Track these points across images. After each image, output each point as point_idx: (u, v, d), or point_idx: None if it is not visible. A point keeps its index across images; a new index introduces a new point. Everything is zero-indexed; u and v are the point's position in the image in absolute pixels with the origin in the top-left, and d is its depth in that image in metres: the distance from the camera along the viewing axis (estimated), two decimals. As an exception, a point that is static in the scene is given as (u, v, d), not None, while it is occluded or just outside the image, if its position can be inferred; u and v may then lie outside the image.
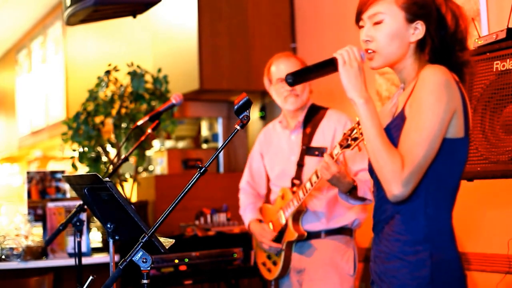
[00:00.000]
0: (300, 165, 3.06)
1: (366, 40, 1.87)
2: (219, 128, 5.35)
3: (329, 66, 1.88)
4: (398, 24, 1.83)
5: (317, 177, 2.80)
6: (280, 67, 3.14)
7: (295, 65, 3.08)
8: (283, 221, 3.03)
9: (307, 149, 3.06)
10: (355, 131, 2.51)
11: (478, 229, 3.22)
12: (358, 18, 1.91)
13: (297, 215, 3.00)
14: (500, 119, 2.47)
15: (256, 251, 3.30)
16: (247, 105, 1.84)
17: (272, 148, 3.26)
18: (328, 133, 3.05)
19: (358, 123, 2.46)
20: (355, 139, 2.51)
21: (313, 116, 3.13)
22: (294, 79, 1.89)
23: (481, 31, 3.06)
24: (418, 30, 1.84)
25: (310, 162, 3.03)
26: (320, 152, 3.00)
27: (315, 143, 3.05)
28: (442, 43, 1.85)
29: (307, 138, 3.08)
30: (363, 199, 2.81)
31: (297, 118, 3.14)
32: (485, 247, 3.16)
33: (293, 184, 3.07)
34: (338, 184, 2.73)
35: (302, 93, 3.10)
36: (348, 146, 2.55)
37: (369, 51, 1.87)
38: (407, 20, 1.83)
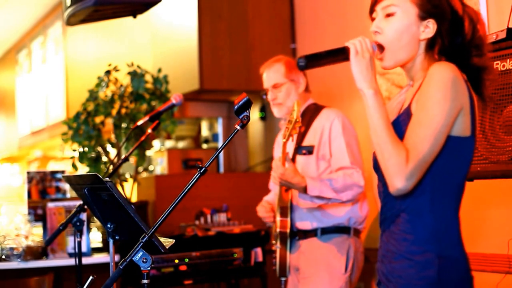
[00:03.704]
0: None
1: (375, 31, 1.87)
2: (219, 128, 5.35)
3: (341, 54, 1.86)
4: (409, 19, 1.83)
5: None
6: (264, 75, 3.21)
7: (276, 72, 3.15)
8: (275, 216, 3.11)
9: (298, 148, 3.11)
10: (288, 121, 2.73)
11: (478, 229, 3.22)
12: (372, 10, 1.90)
13: (284, 210, 3.03)
14: (500, 119, 2.47)
15: None
16: (247, 105, 1.84)
17: (279, 149, 3.29)
18: (318, 131, 3.08)
19: (291, 113, 2.73)
20: (288, 128, 2.73)
21: (309, 115, 3.17)
22: (306, 63, 1.86)
23: (481, 31, 3.06)
24: (429, 28, 1.84)
25: (300, 160, 3.07)
26: (307, 150, 3.04)
27: (306, 142, 3.10)
28: (456, 47, 1.84)
29: (300, 137, 3.13)
30: (328, 198, 2.89)
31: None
32: (485, 247, 3.16)
33: None
34: (290, 185, 2.84)
35: (285, 100, 3.13)
36: (285, 136, 2.76)
37: (378, 54, 1.86)
38: (419, 17, 1.83)
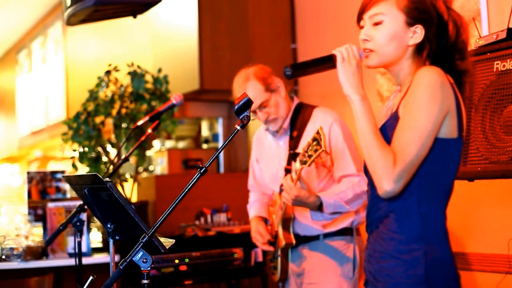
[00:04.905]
0: (288, 170, 2.98)
1: (364, 39, 1.90)
2: (219, 128, 5.35)
3: (328, 62, 1.89)
4: (398, 26, 1.86)
5: None
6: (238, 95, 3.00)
7: (254, 91, 2.92)
8: (276, 228, 3.02)
9: (293, 155, 2.92)
10: (310, 147, 2.52)
11: (478, 229, 3.22)
12: (359, 18, 1.93)
13: (286, 223, 2.97)
14: (501, 119, 2.47)
15: None
16: (247, 105, 1.84)
17: (264, 153, 3.21)
18: None
19: (313, 139, 2.49)
20: (310, 155, 2.52)
21: (299, 118, 3.03)
22: (292, 72, 1.90)
23: (481, 31, 3.06)
24: (417, 34, 1.86)
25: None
26: None
27: (301, 147, 2.88)
28: (440, 50, 1.87)
29: (293, 142, 3.00)
30: (339, 212, 2.80)
31: (282, 124, 3.04)
32: (485, 247, 3.16)
33: (281, 190, 2.95)
34: (303, 205, 2.74)
35: (278, 112, 2.97)
36: (305, 162, 2.56)
37: (366, 50, 1.89)
38: (406, 24, 1.86)
